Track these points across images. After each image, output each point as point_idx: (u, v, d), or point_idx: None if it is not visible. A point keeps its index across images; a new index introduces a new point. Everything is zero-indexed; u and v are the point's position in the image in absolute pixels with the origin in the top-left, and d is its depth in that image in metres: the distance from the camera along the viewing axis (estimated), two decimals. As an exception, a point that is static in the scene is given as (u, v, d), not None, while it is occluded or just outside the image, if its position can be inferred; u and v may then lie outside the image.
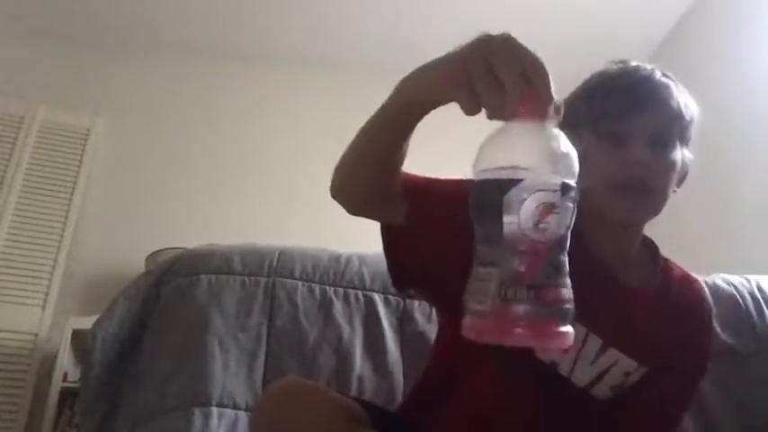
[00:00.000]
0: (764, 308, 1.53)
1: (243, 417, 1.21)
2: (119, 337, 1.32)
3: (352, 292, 1.40)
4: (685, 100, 0.93)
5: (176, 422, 1.17)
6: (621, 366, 0.87)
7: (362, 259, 1.47)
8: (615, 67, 0.96)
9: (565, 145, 0.59)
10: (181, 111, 3.20)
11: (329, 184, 0.93)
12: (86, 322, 1.52)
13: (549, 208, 0.55)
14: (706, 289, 0.99)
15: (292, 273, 1.40)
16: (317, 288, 1.39)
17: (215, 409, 1.19)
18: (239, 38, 3.24)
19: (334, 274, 1.42)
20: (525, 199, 0.55)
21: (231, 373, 1.24)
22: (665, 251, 0.99)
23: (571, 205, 0.58)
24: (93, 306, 2.42)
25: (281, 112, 3.28)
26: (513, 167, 0.57)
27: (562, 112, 0.61)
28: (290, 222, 2.89)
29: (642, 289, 0.91)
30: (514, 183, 0.56)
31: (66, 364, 2.36)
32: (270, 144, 3.19)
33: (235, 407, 1.21)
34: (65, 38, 3.16)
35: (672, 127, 0.90)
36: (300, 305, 1.36)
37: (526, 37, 0.63)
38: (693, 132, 0.97)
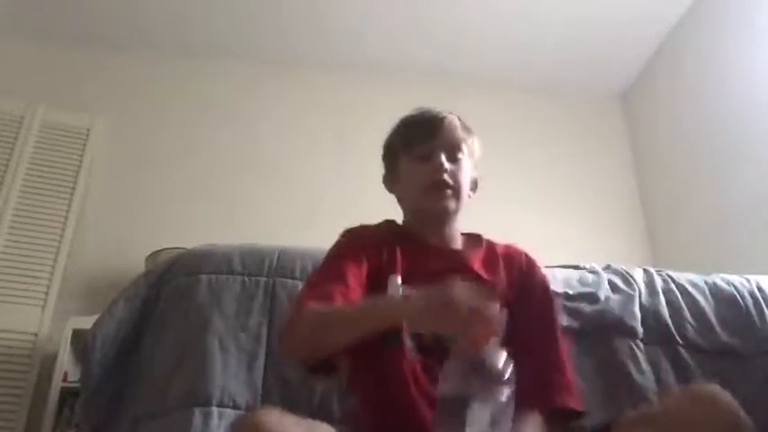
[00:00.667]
0: (764, 308, 1.53)
1: (243, 417, 1.21)
2: (119, 337, 1.32)
3: (351, 291, 1.40)
4: (468, 130, 1.25)
5: (176, 422, 1.17)
6: None
7: (362, 259, 1.47)
8: (413, 111, 1.27)
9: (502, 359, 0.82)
10: (181, 111, 3.20)
11: (290, 337, 1.04)
12: (86, 322, 1.52)
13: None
14: (524, 248, 1.28)
15: (292, 273, 1.40)
16: (317, 288, 1.39)
17: (215, 409, 1.19)
18: (239, 38, 3.24)
19: (334, 273, 1.42)
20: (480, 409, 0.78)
21: (231, 373, 1.24)
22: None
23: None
24: (93, 306, 2.42)
25: (282, 111, 3.28)
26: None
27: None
28: (290, 222, 2.89)
29: (474, 252, 1.21)
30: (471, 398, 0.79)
31: (66, 364, 2.36)
32: (270, 144, 3.19)
33: (235, 407, 1.21)
34: (65, 38, 3.16)
35: (460, 143, 1.21)
36: (300, 305, 1.35)
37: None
38: (477, 153, 1.26)
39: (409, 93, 3.37)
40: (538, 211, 3.19)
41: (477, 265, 1.17)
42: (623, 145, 3.53)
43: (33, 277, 2.60)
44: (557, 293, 1.29)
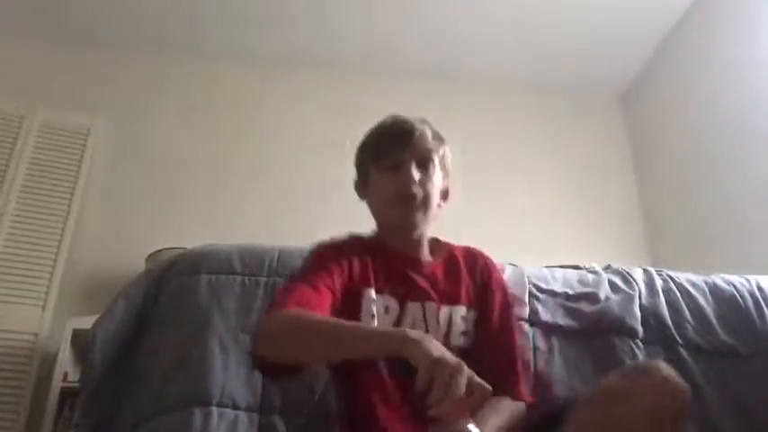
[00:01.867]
0: (764, 308, 1.53)
1: (243, 417, 1.21)
2: (119, 337, 1.32)
3: (351, 291, 1.40)
4: (439, 139, 1.25)
5: (176, 422, 1.17)
6: (457, 314, 1.15)
7: (362, 259, 1.47)
8: (386, 120, 1.27)
9: None
10: (181, 110, 3.20)
11: (260, 341, 1.01)
12: (86, 322, 1.51)
13: None
14: (480, 249, 1.31)
15: (292, 273, 1.40)
16: (317, 288, 1.39)
17: (215, 409, 1.19)
18: (239, 37, 3.24)
19: (334, 274, 1.42)
20: None
21: (231, 373, 1.24)
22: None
23: None
24: (93, 306, 2.41)
25: (282, 111, 3.28)
26: None
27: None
28: (290, 222, 2.89)
29: (436, 260, 1.23)
30: None
31: (66, 364, 2.36)
32: (270, 143, 3.19)
33: (235, 407, 1.21)
34: (65, 38, 3.16)
35: (431, 154, 1.21)
36: (300, 305, 1.35)
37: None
38: (448, 163, 1.26)
39: (409, 94, 3.40)
40: (538, 211, 3.19)
41: (440, 274, 1.20)
42: (623, 145, 3.53)
43: (33, 277, 2.60)
44: (514, 295, 1.35)
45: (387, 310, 1.11)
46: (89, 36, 3.18)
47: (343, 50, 3.33)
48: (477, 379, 0.83)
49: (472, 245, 1.32)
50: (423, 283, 1.15)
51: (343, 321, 1.00)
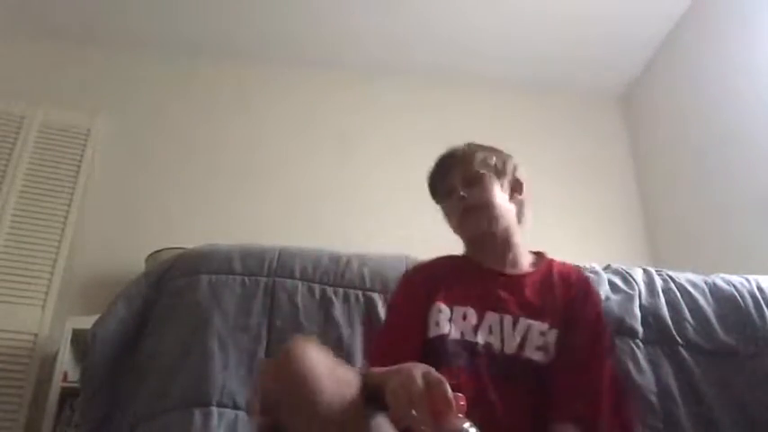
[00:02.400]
0: (764, 308, 1.53)
1: (243, 417, 1.21)
2: (119, 337, 1.32)
3: (352, 292, 1.41)
4: (484, 151, 1.32)
5: (176, 422, 1.17)
6: (534, 329, 1.15)
7: (362, 260, 1.47)
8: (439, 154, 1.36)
9: None
10: (181, 110, 3.20)
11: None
12: (86, 322, 1.52)
13: None
14: (583, 270, 1.35)
15: (292, 273, 1.40)
16: (316, 288, 1.39)
17: (215, 409, 1.19)
18: (239, 37, 3.24)
19: (333, 274, 1.42)
20: None
21: (231, 373, 1.24)
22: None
23: None
24: (93, 306, 2.42)
25: (282, 111, 3.28)
26: None
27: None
28: (290, 222, 2.89)
29: (529, 275, 1.25)
30: None
31: (66, 364, 2.36)
32: (270, 144, 3.19)
33: (235, 407, 1.21)
34: (65, 38, 3.16)
35: (474, 170, 1.28)
36: (300, 305, 1.36)
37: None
38: (511, 169, 1.34)
39: (410, 94, 3.40)
40: (538, 211, 3.18)
41: (529, 288, 1.22)
42: (623, 145, 3.53)
43: (33, 277, 2.60)
44: (607, 322, 1.30)
45: (464, 316, 1.17)
46: (89, 36, 3.18)
47: (344, 50, 3.33)
48: (434, 374, 0.78)
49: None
50: (504, 294, 1.20)
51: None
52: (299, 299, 1.36)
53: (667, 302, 1.51)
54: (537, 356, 1.13)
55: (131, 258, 2.64)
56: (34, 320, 2.53)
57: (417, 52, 3.34)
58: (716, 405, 1.36)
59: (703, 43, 2.98)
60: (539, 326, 1.16)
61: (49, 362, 2.44)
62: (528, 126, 3.43)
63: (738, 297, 1.54)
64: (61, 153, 2.88)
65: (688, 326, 1.47)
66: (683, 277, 1.59)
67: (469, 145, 1.34)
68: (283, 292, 1.36)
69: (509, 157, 1.36)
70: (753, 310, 1.52)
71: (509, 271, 1.26)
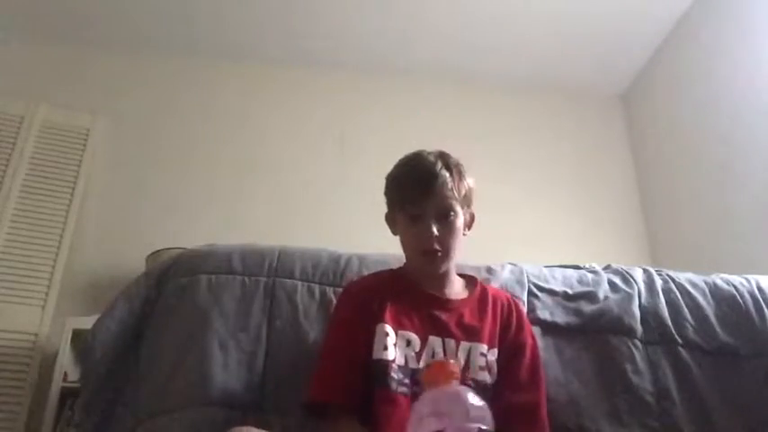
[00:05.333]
0: (764, 308, 1.53)
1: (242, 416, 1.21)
2: (119, 337, 1.32)
3: (351, 292, 1.40)
4: (460, 177, 1.26)
5: (176, 422, 1.17)
6: (476, 350, 1.20)
7: (362, 259, 1.47)
8: (410, 160, 1.28)
9: (473, 399, 0.83)
10: (181, 110, 3.20)
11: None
12: (86, 322, 1.52)
13: None
14: (510, 295, 1.37)
15: (292, 273, 1.40)
16: (316, 288, 1.39)
17: (215, 409, 1.19)
18: (239, 37, 3.24)
19: (333, 274, 1.42)
20: None
21: (231, 373, 1.24)
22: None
23: None
24: (93, 306, 2.42)
25: (282, 111, 3.28)
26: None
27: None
28: (290, 222, 2.89)
29: (465, 300, 1.27)
30: None
31: (66, 364, 2.36)
32: (270, 144, 3.19)
33: (234, 407, 1.21)
34: (65, 38, 3.17)
35: (451, 202, 1.23)
36: (300, 305, 1.35)
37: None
38: (472, 195, 1.29)
39: (410, 93, 3.40)
40: (538, 210, 3.19)
41: (467, 312, 1.25)
42: (623, 145, 3.53)
43: (33, 277, 2.60)
44: (543, 326, 1.41)
45: (408, 343, 1.18)
46: (89, 36, 3.18)
47: (344, 51, 3.33)
48: None
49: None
50: (445, 318, 1.23)
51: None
52: (298, 299, 1.36)
53: (667, 302, 1.51)
54: (482, 377, 1.17)
55: (131, 258, 2.64)
56: (34, 320, 2.53)
57: (418, 51, 3.34)
58: (715, 405, 1.36)
59: (703, 44, 2.98)
60: (480, 347, 1.20)
61: (49, 362, 2.45)
62: (528, 125, 3.43)
63: (738, 297, 1.54)
64: (61, 153, 2.88)
65: (688, 326, 1.47)
66: (683, 277, 1.59)
67: (445, 163, 1.25)
68: (283, 292, 1.36)
69: (466, 178, 1.29)
70: (753, 310, 1.52)
71: (447, 295, 1.27)
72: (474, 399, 0.83)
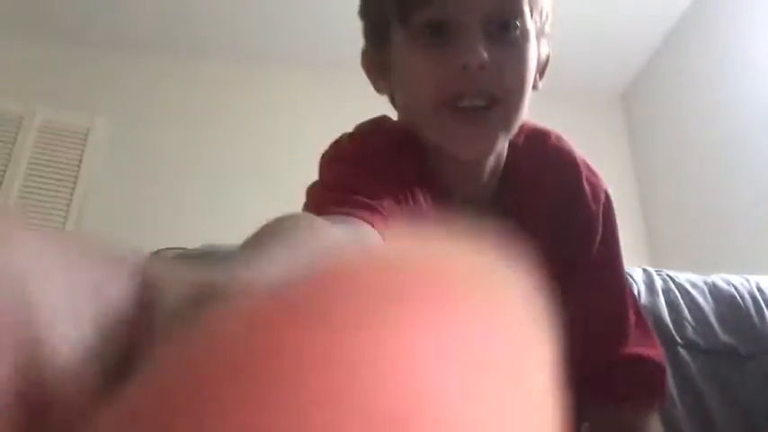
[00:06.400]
0: (764, 308, 1.53)
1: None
2: (118, 338, 1.32)
3: (351, 292, 1.40)
4: None
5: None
6: None
7: (362, 259, 1.46)
8: None
9: None
10: (181, 110, 3.20)
11: None
12: (86, 322, 1.51)
13: None
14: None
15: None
16: (316, 288, 1.39)
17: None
18: (240, 37, 3.24)
19: (333, 274, 1.42)
20: None
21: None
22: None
23: None
24: (93, 306, 2.41)
25: (283, 112, 3.28)
26: None
27: None
28: (289, 222, 2.89)
29: (512, 193, 0.77)
30: None
31: (65, 364, 2.36)
32: (271, 144, 3.19)
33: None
34: (65, 38, 3.17)
35: (519, 5, 0.64)
36: (300, 305, 1.35)
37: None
38: (545, 5, 0.70)
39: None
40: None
41: (515, 209, 0.72)
42: (623, 145, 3.53)
43: (33, 277, 2.60)
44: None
45: None
46: (89, 36, 3.18)
47: (345, 51, 3.33)
48: None
49: None
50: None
51: None
52: (298, 299, 1.36)
53: (667, 302, 1.51)
54: None
55: (131, 258, 2.64)
56: (34, 320, 2.53)
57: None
58: (716, 405, 1.36)
59: (703, 43, 2.97)
60: None
61: (48, 362, 2.45)
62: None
63: (738, 297, 1.54)
64: (61, 153, 2.88)
65: (687, 326, 1.47)
66: (683, 277, 1.59)
67: None
68: (283, 292, 1.36)
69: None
70: (752, 310, 1.52)
71: (489, 197, 0.73)
72: None
